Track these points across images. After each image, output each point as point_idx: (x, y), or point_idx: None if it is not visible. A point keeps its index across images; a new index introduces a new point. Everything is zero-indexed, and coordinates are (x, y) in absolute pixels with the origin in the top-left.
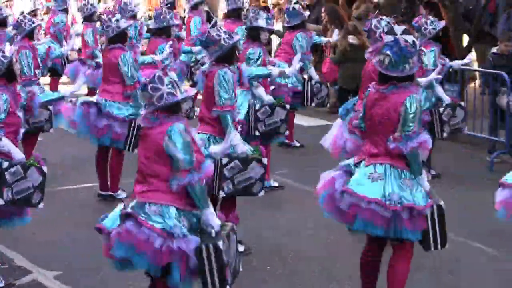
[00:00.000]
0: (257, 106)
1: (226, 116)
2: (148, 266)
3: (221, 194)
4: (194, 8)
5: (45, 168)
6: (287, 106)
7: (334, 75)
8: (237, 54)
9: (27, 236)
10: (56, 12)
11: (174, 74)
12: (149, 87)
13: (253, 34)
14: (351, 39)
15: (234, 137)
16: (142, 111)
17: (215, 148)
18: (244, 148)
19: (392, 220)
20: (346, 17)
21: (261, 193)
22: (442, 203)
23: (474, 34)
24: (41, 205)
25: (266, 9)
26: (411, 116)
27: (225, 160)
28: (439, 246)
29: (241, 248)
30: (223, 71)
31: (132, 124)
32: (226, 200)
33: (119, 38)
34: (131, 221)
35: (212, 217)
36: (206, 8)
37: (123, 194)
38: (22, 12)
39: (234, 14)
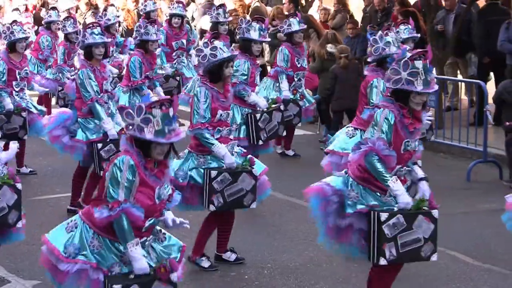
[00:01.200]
0: (258, 116)
1: (200, 134)
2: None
3: (212, 208)
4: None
5: (19, 185)
6: (281, 107)
7: (313, 83)
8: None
9: (5, 245)
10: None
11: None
12: (123, 113)
13: (245, 46)
14: (330, 47)
15: (219, 150)
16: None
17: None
18: (232, 159)
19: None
20: (322, 26)
21: (253, 205)
22: (385, 215)
23: (452, 44)
24: (19, 224)
25: (260, 20)
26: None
27: (214, 173)
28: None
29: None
30: (198, 89)
31: (95, 147)
32: (213, 215)
33: (86, 53)
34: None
35: (134, 258)
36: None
37: None
38: (15, 21)
39: (215, 28)
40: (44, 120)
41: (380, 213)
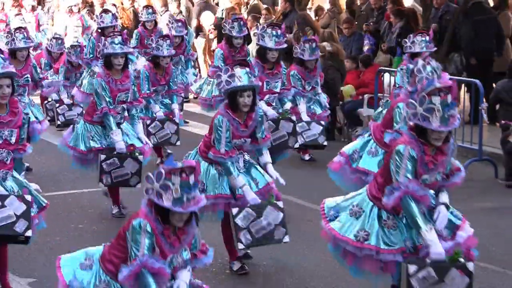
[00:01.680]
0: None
1: (223, 163)
2: None
3: (240, 246)
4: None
5: (28, 197)
6: (293, 118)
7: None
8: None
9: None
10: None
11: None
12: (147, 178)
13: (260, 52)
14: (326, 46)
15: (237, 182)
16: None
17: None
18: (252, 195)
19: None
20: (318, 25)
21: (286, 239)
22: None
23: (448, 44)
24: (28, 233)
25: (276, 25)
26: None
27: (235, 210)
28: None
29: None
30: (220, 118)
31: (99, 158)
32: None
33: (105, 62)
34: None
35: None
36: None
37: (115, 210)
38: (19, 28)
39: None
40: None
41: (409, 265)
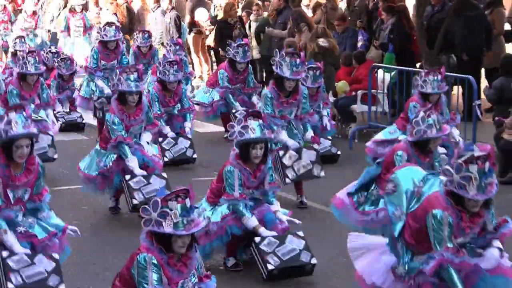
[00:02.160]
0: (281, 153)
1: (235, 206)
2: None
3: (270, 267)
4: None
5: (56, 256)
6: (316, 146)
7: None
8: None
9: None
10: None
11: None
12: (143, 210)
13: (277, 81)
14: (321, 42)
15: (249, 222)
16: None
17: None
18: (267, 232)
19: None
20: (313, 20)
21: (313, 260)
22: None
23: (441, 41)
24: (62, 287)
25: (295, 54)
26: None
27: (258, 239)
28: None
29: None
30: (231, 168)
31: (123, 180)
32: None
33: (119, 96)
34: None
35: None
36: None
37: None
38: (32, 52)
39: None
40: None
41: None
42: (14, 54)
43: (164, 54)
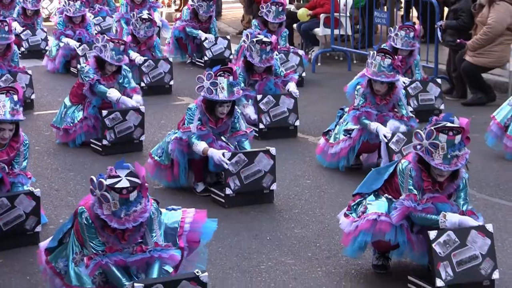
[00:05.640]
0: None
1: (189, 138)
2: None
3: (228, 191)
4: None
5: (38, 191)
6: (295, 95)
7: None
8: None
9: None
10: None
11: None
12: (91, 180)
13: (247, 63)
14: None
15: (197, 147)
16: None
17: None
18: (217, 152)
19: None
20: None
21: (273, 186)
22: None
23: None
24: (38, 229)
25: (264, 43)
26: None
27: (228, 155)
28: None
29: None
30: (194, 107)
31: (101, 115)
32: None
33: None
34: None
35: None
36: None
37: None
38: None
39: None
40: None
41: (429, 232)
42: None
43: None
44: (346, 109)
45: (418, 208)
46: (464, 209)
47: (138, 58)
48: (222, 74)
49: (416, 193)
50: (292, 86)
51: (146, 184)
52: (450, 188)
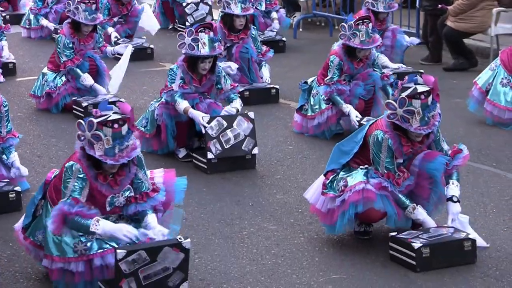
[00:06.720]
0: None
1: (172, 96)
2: None
3: (210, 155)
4: None
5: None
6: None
7: None
8: None
9: None
10: None
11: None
12: (78, 124)
13: (225, 20)
14: None
15: (180, 106)
16: None
17: None
18: (196, 112)
19: None
20: None
21: (255, 150)
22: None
23: None
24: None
25: None
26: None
27: (207, 118)
28: None
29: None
30: (175, 67)
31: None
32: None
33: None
34: None
35: (109, 231)
36: None
37: None
38: None
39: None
40: None
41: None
42: None
43: None
44: (309, 81)
45: (390, 189)
46: (448, 150)
47: (113, 34)
48: (203, 30)
49: (394, 171)
50: (266, 74)
51: (133, 120)
52: (430, 139)
